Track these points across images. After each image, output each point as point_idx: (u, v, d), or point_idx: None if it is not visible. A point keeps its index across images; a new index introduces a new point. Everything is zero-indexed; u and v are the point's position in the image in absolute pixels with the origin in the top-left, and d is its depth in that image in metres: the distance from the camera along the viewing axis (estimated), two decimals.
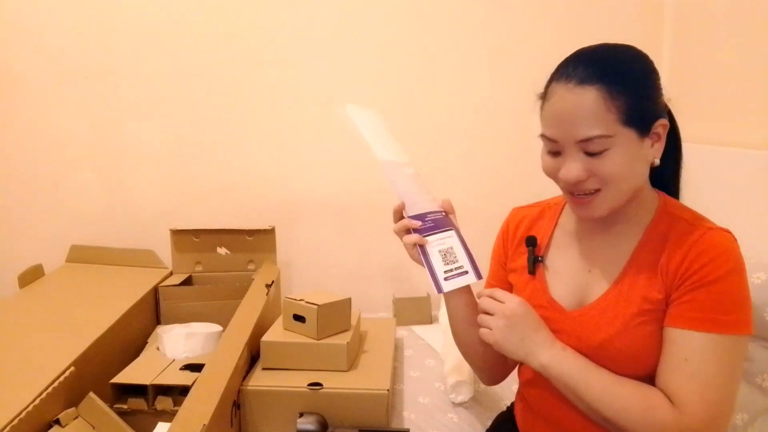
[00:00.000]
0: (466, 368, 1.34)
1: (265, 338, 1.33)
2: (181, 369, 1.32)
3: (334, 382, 1.23)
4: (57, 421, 1.06)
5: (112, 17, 1.87)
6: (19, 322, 1.42)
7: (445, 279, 0.92)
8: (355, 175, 1.95)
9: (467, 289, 0.96)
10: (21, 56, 1.89)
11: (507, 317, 0.84)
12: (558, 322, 0.87)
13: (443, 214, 0.98)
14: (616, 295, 0.82)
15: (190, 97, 1.93)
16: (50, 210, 1.98)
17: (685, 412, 0.73)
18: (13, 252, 1.95)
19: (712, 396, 0.73)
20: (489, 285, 1.04)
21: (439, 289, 0.91)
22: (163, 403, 1.22)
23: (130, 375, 1.28)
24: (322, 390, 1.22)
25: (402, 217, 0.96)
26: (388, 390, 1.22)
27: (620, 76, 0.75)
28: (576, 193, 0.80)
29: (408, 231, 0.94)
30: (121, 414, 1.18)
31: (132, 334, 1.52)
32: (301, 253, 2.02)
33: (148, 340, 1.54)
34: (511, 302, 0.85)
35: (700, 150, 1.52)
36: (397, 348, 1.63)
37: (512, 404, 1.09)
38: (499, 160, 1.98)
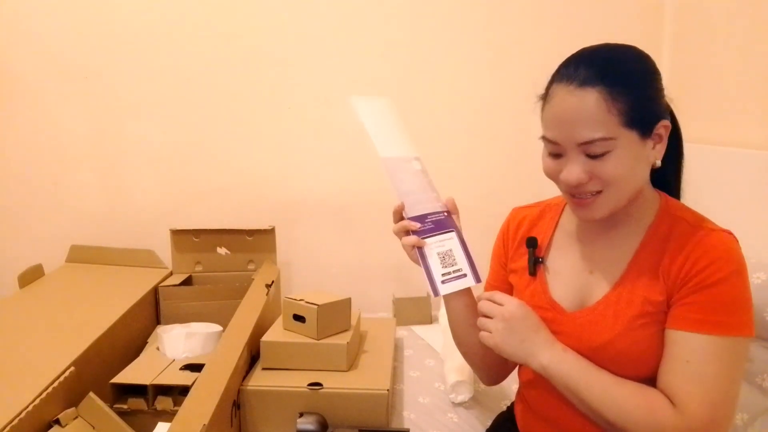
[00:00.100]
0: (466, 368, 1.34)
1: (265, 338, 1.33)
2: (181, 369, 1.32)
3: (334, 382, 1.23)
4: (57, 421, 1.06)
5: (112, 17, 1.87)
6: (19, 322, 1.42)
7: (443, 282, 0.91)
8: (355, 175, 1.95)
9: (467, 290, 0.95)
10: (21, 56, 1.89)
11: (506, 320, 0.84)
12: (559, 323, 0.86)
13: (445, 214, 0.96)
14: (617, 297, 0.82)
15: (190, 97, 1.93)
16: (50, 210, 1.98)
17: (686, 414, 0.73)
18: (13, 252, 1.95)
19: (713, 398, 0.73)
20: (489, 285, 1.04)
21: (436, 293, 0.90)
22: (163, 403, 1.22)
23: (130, 375, 1.28)
24: (322, 390, 1.22)
25: (402, 218, 0.95)
26: (388, 390, 1.22)
27: (622, 78, 0.75)
28: (577, 195, 0.80)
29: (407, 232, 0.93)
30: (121, 414, 1.17)
31: (132, 334, 1.52)
32: (301, 253, 2.02)
33: (148, 340, 1.54)
34: (510, 304, 0.85)
35: (700, 150, 1.52)
36: (397, 348, 1.63)
37: (512, 404, 1.09)
38: (499, 160, 1.98)
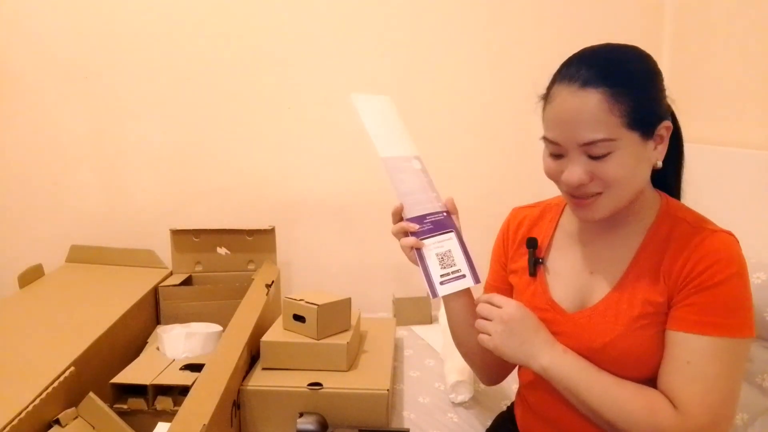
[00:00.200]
0: (466, 368, 1.34)
1: (265, 338, 1.33)
2: (181, 369, 1.32)
3: (334, 382, 1.23)
4: (57, 421, 1.06)
5: (112, 17, 1.87)
6: (19, 322, 1.42)
7: (441, 283, 0.90)
8: (355, 175, 1.95)
9: (467, 291, 0.95)
10: (21, 56, 1.89)
11: (505, 322, 0.83)
12: (559, 324, 0.86)
13: (444, 214, 0.96)
14: (617, 298, 0.82)
15: (190, 97, 1.93)
16: (50, 210, 1.98)
17: (687, 415, 0.73)
18: (13, 252, 1.95)
19: (714, 399, 0.73)
20: (489, 286, 1.04)
21: (434, 294, 0.90)
22: (163, 403, 1.22)
23: (130, 375, 1.28)
24: (322, 390, 1.22)
25: (401, 219, 0.94)
26: (388, 390, 1.22)
27: (624, 78, 0.74)
28: (577, 196, 0.80)
29: (406, 233, 0.93)
30: (121, 414, 1.17)
31: (132, 334, 1.52)
32: (301, 253, 2.02)
33: (148, 340, 1.54)
34: (509, 306, 0.85)
35: (700, 150, 1.52)
36: (397, 348, 1.63)
37: (512, 404, 1.09)
38: (499, 159, 1.98)
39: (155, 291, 1.69)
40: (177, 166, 1.98)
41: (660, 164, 0.80)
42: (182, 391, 1.22)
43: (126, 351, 1.45)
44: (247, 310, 1.44)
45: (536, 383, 0.92)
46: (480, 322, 0.87)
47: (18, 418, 0.97)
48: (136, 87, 1.92)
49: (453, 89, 1.93)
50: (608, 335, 0.80)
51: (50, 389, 1.06)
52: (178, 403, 1.21)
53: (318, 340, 1.31)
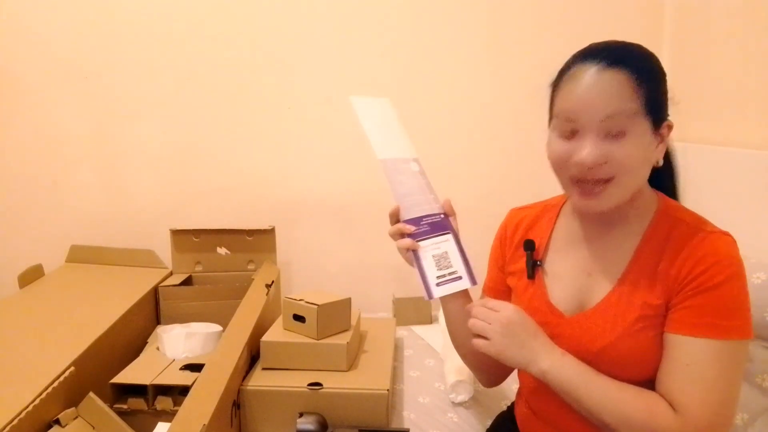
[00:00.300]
0: (466, 368, 1.34)
1: (265, 338, 1.33)
2: (181, 369, 1.32)
3: (334, 382, 1.23)
4: (57, 421, 1.06)
5: (112, 17, 1.87)
6: (19, 322, 1.42)
7: (437, 284, 0.90)
8: (355, 175, 1.95)
9: (464, 293, 0.95)
10: (21, 56, 1.89)
11: (504, 325, 0.82)
12: (557, 326, 0.86)
13: (442, 216, 0.96)
14: (616, 300, 0.82)
15: (190, 97, 1.93)
16: (50, 210, 1.98)
17: (686, 418, 0.73)
18: (13, 252, 1.95)
19: (713, 401, 0.73)
20: (487, 288, 1.04)
21: (430, 295, 0.90)
22: (163, 403, 1.22)
23: (130, 375, 1.28)
24: (322, 390, 1.22)
25: (398, 221, 0.94)
26: (388, 390, 1.22)
27: (645, 66, 0.77)
28: (587, 181, 0.78)
29: (402, 235, 0.92)
30: (121, 414, 1.17)
31: (132, 334, 1.52)
32: (301, 253, 2.02)
33: (148, 340, 1.54)
34: (507, 310, 0.84)
35: (700, 150, 1.52)
36: (397, 348, 1.63)
37: (512, 404, 1.09)
38: (499, 160, 1.98)
39: (155, 291, 1.69)
40: (177, 166, 1.98)
41: (660, 163, 0.81)
42: (182, 391, 1.22)
43: (126, 351, 1.45)
44: (247, 310, 1.44)
45: (536, 383, 0.92)
46: (477, 326, 0.85)
47: (18, 418, 0.97)
48: (136, 87, 1.92)
49: (453, 89, 1.93)
50: (607, 338, 0.80)
51: (50, 389, 1.06)
52: (178, 403, 1.20)
53: (318, 340, 1.31)
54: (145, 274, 1.77)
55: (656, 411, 0.75)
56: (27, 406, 1.00)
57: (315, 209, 2.00)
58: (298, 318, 1.35)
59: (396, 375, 1.47)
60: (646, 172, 0.81)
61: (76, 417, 1.10)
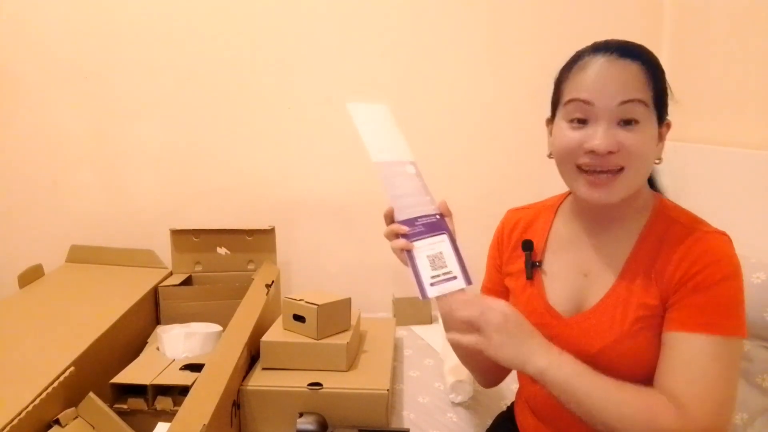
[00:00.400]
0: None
1: (265, 338, 1.33)
2: (180, 369, 1.32)
3: (333, 382, 1.24)
4: (57, 421, 1.06)
5: (112, 17, 1.87)
6: (19, 322, 1.42)
7: (432, 284, 0.90)
8: (355, 175, 1.95)
9: (461, 291, 0.95)
10: (21, 56, 1.89)
11: (500, 323, 0.79)
12: (555, 328, 0.86)
13: (438, 217, 0.96)
14: (613, 301, 0.82)
15: (190, 97, 1.93)
16: (50, 210, 1.98)
17: (689, 416, 0.72)
18: (13, 252, 1.95)
19: (715, 399, 0.73)
20: (485, 288, 1.04)
21: (424, 295, 0.89)
22: (163, 403, 1.22)
23: (129, 375, 1.28)
24: (322, 390, 1.22)
25: (393, 221, 0.94)
26: (387, 390, 1.22)
27: (652, 61, 0.79)
28: (598, 170, 0.78)
29: (397, 235, 0.92)
30: (121, 414, 1.17)
31: (132, 334, 1.52)
32: (301, 253, 2.02)
33: (148, 340, 1.54)
34: (502, 307, 0.80)
35: (700, 150, 1.52)
36: (397, 348, 1.63)
37: (512, 404, 1.09)
38: (499, 160, 1.98)
39: (155, 291, 1.69)
40: (177, 166, 1.98)
41: (660, 161, 0.82)
42: (182, 391, 1.22)
43: (126, 351, 1.45)
44: (247, 310, 1.44)
45: (535, 382, 0.92)
46: (472, 319, 0.81)
47: (18, 418, 0.97)
48: (136, 87, 1.92)
49: (452, 90, 1.93)
50: (604, 339, 0.80)
51: (50, 389, 1.06)
52: (178, 403, 1.21)
53: (318, 340, 1.31)
54: (145, 274, 1.77)
55: (657, 410, 0.74)
56: (27, 406, 1.00)
57: (315, 209, 2.00)
58: (298, 318, 1.35)
59: (396, 375, 1.47)
60: (650, 166, 0.81)
61: (76, 417, 1.10)
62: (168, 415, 1.20)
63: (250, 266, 1.86)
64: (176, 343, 1.40)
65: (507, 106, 1.92)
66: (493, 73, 1.92)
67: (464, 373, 1.35)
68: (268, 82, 1.92)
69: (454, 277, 0.91)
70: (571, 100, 0.80)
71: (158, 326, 1.63)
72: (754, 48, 1.43)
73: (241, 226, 1.85)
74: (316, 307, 1.31)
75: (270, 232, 1.85)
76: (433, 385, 1.42)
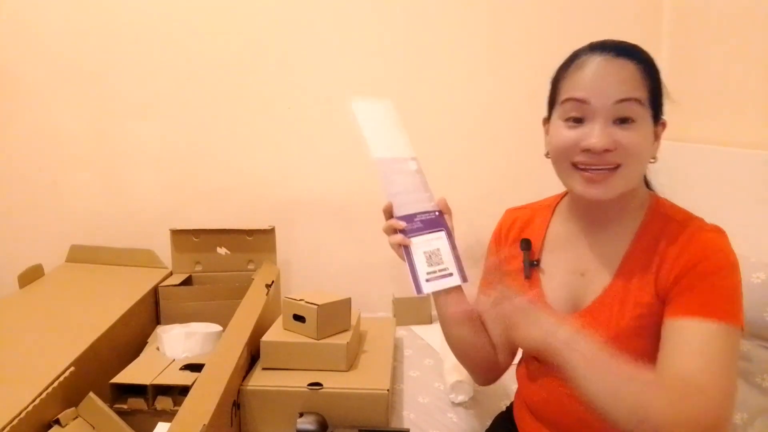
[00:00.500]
0: None
1: (265, 338, 1.33)
2: (181, 369, 1.32)
3: (333, 382, 1.24)
4: (57, 421, 1.06)
5: (112, 17, 1.87)
6: (19, 322, 1.42)
7: (427, 280, 0.91)
8: (354, 174, 1.95)
9: (459, 291, 0.95)
10: (21, 56, 1.89)
11: (519, 300, 0.76)
12: None
13: (437, 214, 0.96)
14: (610, 300, 0.82)
15: (190, 97, 1.93)
16: (50, 210, 1.98)
17: (711, 402, 0.69)
18: (13, 252, 1.95)
19: (726, 385, 0.70)
20: (483, 287, 1.04)
21: (419, 291, 0.90)
22: (163, 403, 1.22)
23: (129, 375, 1.28)
24: (322, 390, 1.22)
25: (392, 217, 0.95)
26: (388, 390, 1.22)
27: (648, 60, 0.80)
28: (595, 168, 0.78)
29: (395, 231, 0.93)
30: (121, 414, 1.17)
31: (132, 334, 1.52)
32: (301, 253, 2.02)
33: (148, 340, 1.54)
34: (515, 291, 0.78)
35: (700, 150, 1.52)
36: (397, 348, 1.63)
37: (511, 404, 1.09)
38: (499, 160, 1.98)
39: (155, 291, 1.69)
40: (177, 166, 1.98)
41: (656, 160, 0.82)
42: (182, 391, 1.22)
43: (126, 351, 1.45)
44: (247, 310, 1.44)
45: (533, 382, 0.92)
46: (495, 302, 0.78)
47: (18, 418, 0.97)
48: (136, 87, 1.92)
49: (452, 90, 1.93)
50: (601, 337, 0.80)
51: (50, 389, 1.07)
52: (178, 403, 1.20)
53: (318, 340, 1.31)
54: (145, 274, 1.77)
55: (684, 392, 0.69)
56: (27, 406, 1.00)
57: (315, 209, 2.00)
58: (298, 318, 1.35)
59: (396, 375, 1.47)
60: (646, 166, 0.82)
61: (76, 417, 1.10)
62: (168, 415, 1.20)
63: (250, 266, 1.86)
64: (176, 343, 1.40)
65: (507, 106, 1.92)
66: (493, 73, 1.92)
67: (464, 373, 1.35)
68: (268, 82, 1.92)
69: (450, 274, 0.92)
70: (567, 99, 0.80)
71: (158, 326, 1.63)
72: (753, 48, 1.43)
73: (241, 226, 1.85)
74: (316, 307, 1.31)
75: (270, 232, 1.85)
76: (433, 385, 1.42)
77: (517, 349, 1.02)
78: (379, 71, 1.92)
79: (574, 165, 0.80)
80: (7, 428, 0.94)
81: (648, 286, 0.79)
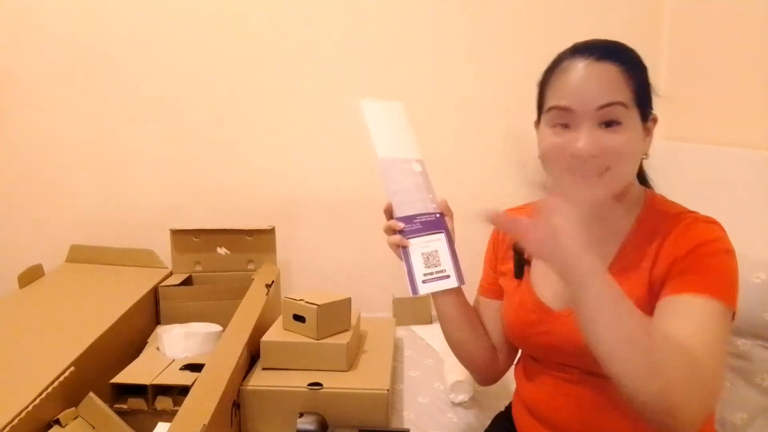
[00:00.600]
0: None
1: (265, 338, 1.33)
2: (181, 369, 1.32)
3: (334, 382, 1.23)
4: (57, 421, 1.06)
5: (113, 17, 1.87)
6: (19, 322, 1.42)
7: (424, 281, 0.91)
8: (355, 174, 1.95)
9: (458, 292, 0.95)
10: (21, 56, 1.89)
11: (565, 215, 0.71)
12: (546, 323, 0.86)
13: (437, 216, 0.96)
14: None
15: (190, 97, 1.93)
16: (50, 210, 1.98)
17: (714, 377, 0.68)
18: (13, 252, 1.95)
19: (721, 362, 0.70)
20: (482, 288, 1.05)
21: (415, 291, 0.91)
22: (163, 403, 1.22)
23: (130, 375, 1.28)
24: (322, 390, 1.22)
25: (392, 217, 0.95)
26: (388, 390, 1.22)
27: (632, 59, 0.80)
28: (582, 172, 0.79)
29: (394, 231, 0.94)
30: (121, 414, 1.17)
31: (132, 334, 1.52)
32: (301, 253, 2.02)
33: (148, 340, 1.54)
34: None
35: (700, 150, 1.52)
36: (397, 348, 1.63)
37: (510, 404, 1.09)
38: (498, 159, 1.97)
39: (155, 291, 1.69)
40: (177, 166, 1.98)
41: (648, 156, 0.83)
42: (182, 391, 1.22)
43: (126, 351, 1.45)
44: (247, 310, 1.44)
45: (531, 382, 0.92)
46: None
47: (18, 418, 0.97)
48: (136, 87, 1.92)
49: (451, 89, 1.93)
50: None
51: (50, 389, 1.06)
52: (178, 403, 1.20)
53: (318, 340, 1.31)
54: (144, 274, 1.77)
55: (695, 356, 0.66)
56: (27, 406, 1.00)
57: (315, 209, 2.00)
58: (298, 318, 1.35)
59: (396, 375, 1.47)
60: (638, 162, 0.82)
61: (76, 417, 1.10)
62: (168, 415, 1.20)
63: (250, 266, 1.86)
64: (176, 343, 1.40)
65: (506, 107, 1.92)
66: (493, 73, 1.92)
67: (464, 373, 1.35)
68: (268, 82, 1.92)
69: (447, 276, 0.92)
70: (551, 108, 0.81)
71: (158, 326, 1.63)
72: (753, 48, 1.43)
73: (241, 226, 1.85)
74: (316, 307, 1.31)
75: (270, 232, 1.85)
76: (433, 385, 1.42)
77: (517, 350, 1.03)
78: (379, 71, 1.92)
79: (565, 170, 0.81)
80: (7, 428, 0.94)
81: (641, 280, 0.79)
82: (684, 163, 1.53)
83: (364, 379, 1.26)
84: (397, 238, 0.92)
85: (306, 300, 1.34)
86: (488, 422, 1.14)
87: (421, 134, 1.06)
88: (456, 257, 0.94)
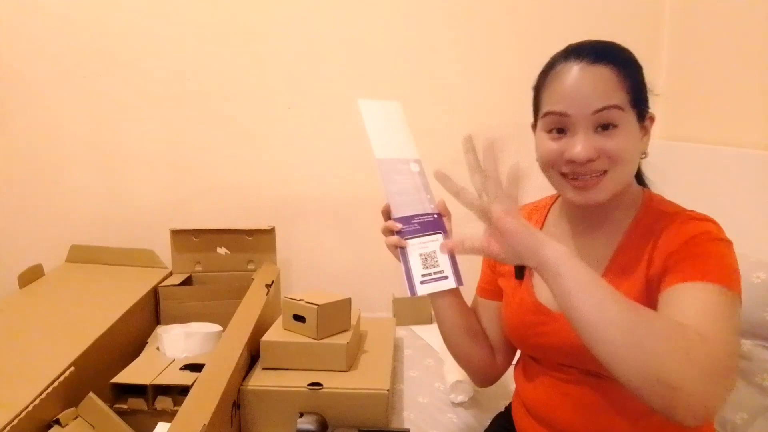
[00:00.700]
0: None
1: (265, 338, 1.33)
2: (181, 369, 1.32)
3: (334, 382, 1.23)
4: (57, 421, 1.06)
5: (112, 17, 1.87)
6: (19, 322, 1.42)
7: (422, 282, 0.91)
8: (354, 174, 1.95)
9: (456, 292, 0.96)
10: (21, 56, 1.89)
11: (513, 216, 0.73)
12: (545, 324, 0.86)
13: (435, 216, 0.96)
14: None
15: (189, 97, 1.93)
16: (50, 210, 1.98)
17: (719, 352, 0.63)
18: (13, 252, 1.95)
19: (730, 338, 0.66)
20: (480, 289, 1.05)
21: (413, 292, 0.90)
22: (163, 403, 1.22)
23: (130, 375, 1.28)
24: (322, 390, 1.22)
25: (390, 218, 0.95)
26: (388, 390, 1.22)
27: (626, 60, 0.80)
28: (581, 176, 0.79)
29: (392, 232, 0.93)
30: (121, 414, 1.18)
31: (132, 334, 1.52)
32: (301, 252, 2.02)
33: (148, 340, 1.54)
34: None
35: (700, 150, 1.52)
36: (397, 348, 1.63)
37: (510, 404, 1.09)
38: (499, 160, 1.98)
39: (155, 291, 1.69)
40: (177, 166, 1.98)
41: (647, 155, 0.83)
42: (182, 391, 1.22)
43: (126, 351, 1.45)
44: (247, 310, 1.44)
45: (531, 382, 0.92)
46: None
47: (18, 418, 0.97)
48: (135, 87, 1.92)
49: (451, 90, 1.93)
50: None
51: (50, 389, 1.07)
52: (178, 403, 1.21)
53: (318, 340, 1.31)
54: (144, 274, 1.77)
55: (690, 335, 0.63)
56: (27, 406, 1.00)
57: (315, 209, 2.00)
58: (298, 318, 1.35)
59: (396, 375, 1.47)
60: (636, 162, 0.82)
61: (76, 417, 1.10)
62: (168, 415, 1.20)
63: (250, 266, 1.86)
64: (176, 343, 1.40)
65: (506, 107, 1.92)
66: (492, 73, 1.92)
67: (464, 373, 1.34)
68: (268, 82, 1.92)
69: (445, 277, 0.92)
70: (547, 113, 0.81)
71: (158, 326, 1.63)
72: (753, 48, 1.44)
73: (241, 226, 1.85)
74: (316, 307, 1.31)
75: (270, 232, 1.86)
76: (433, 385, 1.42)
77: (515, 351, 1.03)
78: (379, 71, 1.92)
79: (563, 174, 0.81)
80: (7, 428, 0.94)
81: (639, 280, 0.79)
82: (683, 163, 1.53)
83: (364, 379, 1.26)
84: (395, 238, 0.92)
85: (306, 300, 1.34)
86: (488, 422, 1.14)
87: (420, 134, 1.06)
88: (454, 258, 0.94)
